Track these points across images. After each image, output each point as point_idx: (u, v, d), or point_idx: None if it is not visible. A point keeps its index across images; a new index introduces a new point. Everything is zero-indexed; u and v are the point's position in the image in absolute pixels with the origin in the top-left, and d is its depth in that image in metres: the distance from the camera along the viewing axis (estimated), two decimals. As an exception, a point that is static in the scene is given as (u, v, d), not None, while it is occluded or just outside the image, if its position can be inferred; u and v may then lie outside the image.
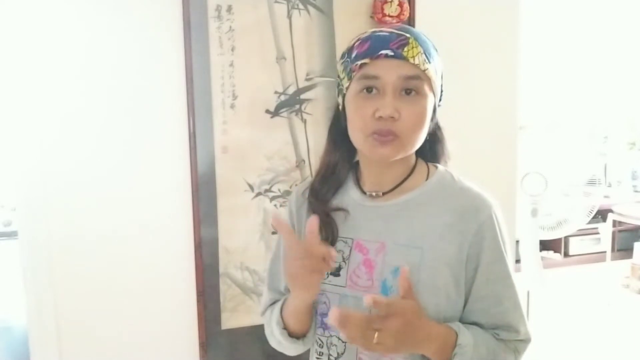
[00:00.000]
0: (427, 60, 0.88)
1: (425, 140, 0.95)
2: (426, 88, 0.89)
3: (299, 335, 1.01)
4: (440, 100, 0.97)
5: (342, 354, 0.95)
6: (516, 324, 0.93)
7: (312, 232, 0.85)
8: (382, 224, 0.94)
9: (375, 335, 0.79)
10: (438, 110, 0.97)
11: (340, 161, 0.99)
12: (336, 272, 0.95)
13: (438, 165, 1.00)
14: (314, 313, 1.00)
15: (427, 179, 0.96)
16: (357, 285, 0.93)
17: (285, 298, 1.02)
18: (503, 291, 0.92)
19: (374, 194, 0.97)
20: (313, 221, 0.85)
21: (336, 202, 0.99)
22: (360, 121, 0.89)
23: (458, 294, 0.91)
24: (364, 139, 0.90)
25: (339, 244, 0.96)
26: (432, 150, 1.00)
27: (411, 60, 0.87)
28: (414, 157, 0.98)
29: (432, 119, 0.94)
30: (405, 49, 0.87)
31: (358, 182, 1.00)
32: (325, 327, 0.98)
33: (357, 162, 1.01)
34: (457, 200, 0.92)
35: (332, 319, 0.79)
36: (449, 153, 1.01)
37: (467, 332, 0.89)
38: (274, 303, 1.08)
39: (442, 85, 0.96)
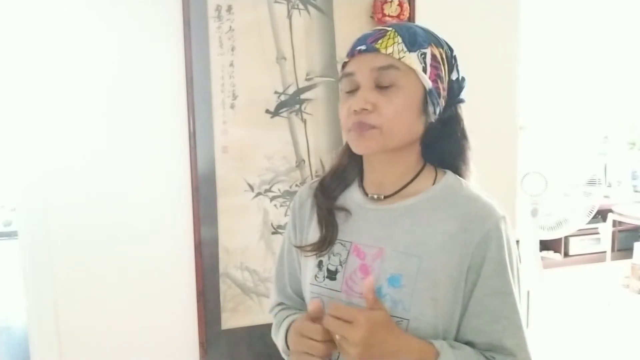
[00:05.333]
0: (405, 49, 0.84)
1: (439, 145, 0.92)
2: (405, 78, 0.85)
3: None
4: (458, 91, 0.92)
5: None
6: (513, 347, 0.85)
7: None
8: (382, 229, 0.90)
9: (337, 337, 0.79)
10: (447, 101, 0.91)
11: (350, 161, 0.98)
12: (332, 276, 0.92)
13: (448, 171, 0.94)
14: None
15: (433, 184, 0.92)
16: (353, 290, 0.89)
17: (290, 323, 0.98)
18: (501, 308, 0.85)
19: (375, 197, 0.93)
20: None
21: (340, 202, 0.97)
22: (343, 118, 0.89)
23: (456, 307, 0.86)
24: (347, 135, 0.90)
25: (337, 247, 0.93)
26: (449, 157, 0.94)
27: (383, 51, 0.84)
28: (420, 160, 0.93)
29: (429, 112, 0.88)
30: (380, 41, 0.85)
31: (362, 184, 0.98)
32: None
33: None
34: (462, 209, 0.87)
35: (310, 308, 0.85)
36: (468, 163, 0.94)
37: (450, 353, 0.82)
38: (280, 304, 1.08)
39: (458, 78, 0.92)
